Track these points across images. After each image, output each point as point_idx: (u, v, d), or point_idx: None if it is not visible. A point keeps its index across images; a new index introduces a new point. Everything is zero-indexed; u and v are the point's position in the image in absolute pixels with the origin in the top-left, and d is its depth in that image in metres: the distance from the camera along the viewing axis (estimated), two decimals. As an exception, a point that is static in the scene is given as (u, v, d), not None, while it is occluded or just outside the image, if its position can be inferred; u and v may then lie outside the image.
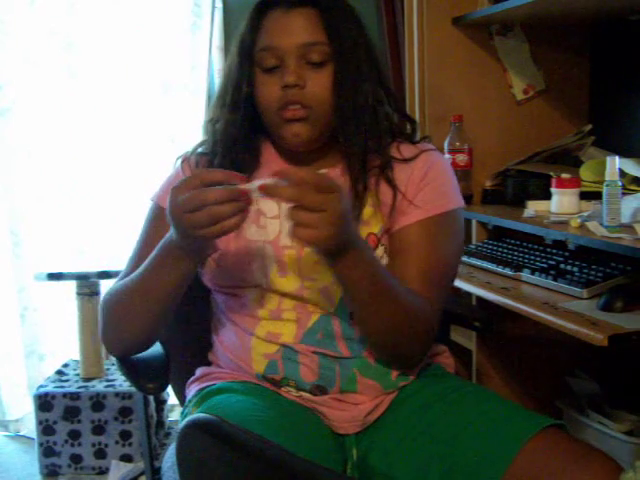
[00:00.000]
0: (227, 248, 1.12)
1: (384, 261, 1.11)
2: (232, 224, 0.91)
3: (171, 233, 0.98)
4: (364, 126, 1.11)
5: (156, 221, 1.16)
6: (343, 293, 1.06)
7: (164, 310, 1.08)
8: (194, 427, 0.83)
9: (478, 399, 1.09)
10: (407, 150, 1.16)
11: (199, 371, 1.22)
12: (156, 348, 1.19)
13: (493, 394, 1.12)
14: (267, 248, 1.12)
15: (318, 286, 1.11)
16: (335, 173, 1.14)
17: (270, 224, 1.12)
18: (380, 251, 1.12)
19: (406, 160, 1.15)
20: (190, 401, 1.17)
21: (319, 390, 1.11)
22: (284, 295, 1.12)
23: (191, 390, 1.19)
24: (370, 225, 1.11)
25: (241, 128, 1.13)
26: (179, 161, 1.21)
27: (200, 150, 1.20)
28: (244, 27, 1.12)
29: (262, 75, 1.09)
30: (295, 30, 1.07)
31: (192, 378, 1.22)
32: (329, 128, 1.11)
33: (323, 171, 1.10)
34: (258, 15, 1.11)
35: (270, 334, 1.12)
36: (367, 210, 1.12)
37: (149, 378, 1.12)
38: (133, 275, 1.08)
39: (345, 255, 0.95)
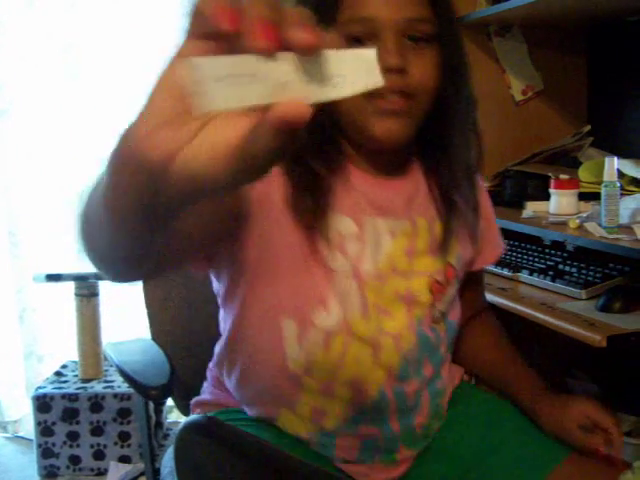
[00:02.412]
0: (296, 274, 0.89)
1: (453, 290, 1.01)
2: None
3: None
4: (471, 129, 0.94)
5: None
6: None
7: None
8: (191, 429, 0.82)
9: (509, 421, 1.05)
10: None
11: (208, 395, 1.07)
12: (159, 354, 1.18)
13: (520, 415, 1.06)
14: (351, 282, 0.90)
15: (393, 330, 0.93)
16: (422, 198, 0.96)
17: (352, 247, 0.90)
18: (454, 285, 1.01)
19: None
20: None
21: (351, 463, 0.98)
22: (354, 340, 0.91)
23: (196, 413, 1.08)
24: (449, 254, 0.98)
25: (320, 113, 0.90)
26: None
27: None
28: None
29: None
30: (398, 0, 0.84)
31: (199, 399, 1.08)
32: (419, 128, 0.91)
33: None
34: None
35: (314, 411, 0.93)
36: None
37: (152, 384, 1.10)
38: None
39: None
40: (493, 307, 1.51)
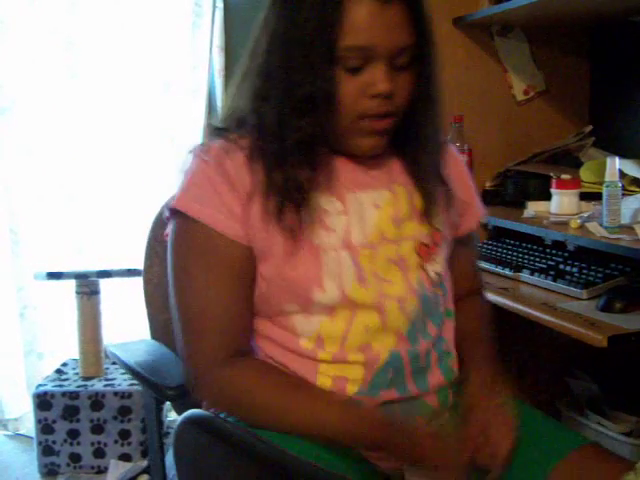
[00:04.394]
0: (286, 262, 0.95)
1: (443, 252, 1.06)
2: None
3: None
4: (437, 144, 1.04)
5: (205, 245, 0.95)
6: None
7: None
8: (189, 423, 0.83)
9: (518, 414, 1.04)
10: None
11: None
12: (167, 354, 1.19)
13: (530, 408, 1.07)
14: (341, 253, 0.96)
15: (396, 293, 0.99)
16: (397, 171, 1.05)
17: (338, 222, 0.97)
18: (443, 248, 1.06)
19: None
20: None
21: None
22: (358, 308, 0.97)
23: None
24: (434, 219, 1.05)
25: (316, 128, 0.93)
26: (199, 158, 0.97)
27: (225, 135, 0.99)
28: (318, 12, 0.88)
29: (345, 76, 0.91)
30: (393, 30, 0.91)
31: None
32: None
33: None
34: (340, 2, 0.88)
35: (334, 380, 0.97)
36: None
37: (169, 384, 1.09)
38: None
39: None
40: (494, 307, 1.52)
